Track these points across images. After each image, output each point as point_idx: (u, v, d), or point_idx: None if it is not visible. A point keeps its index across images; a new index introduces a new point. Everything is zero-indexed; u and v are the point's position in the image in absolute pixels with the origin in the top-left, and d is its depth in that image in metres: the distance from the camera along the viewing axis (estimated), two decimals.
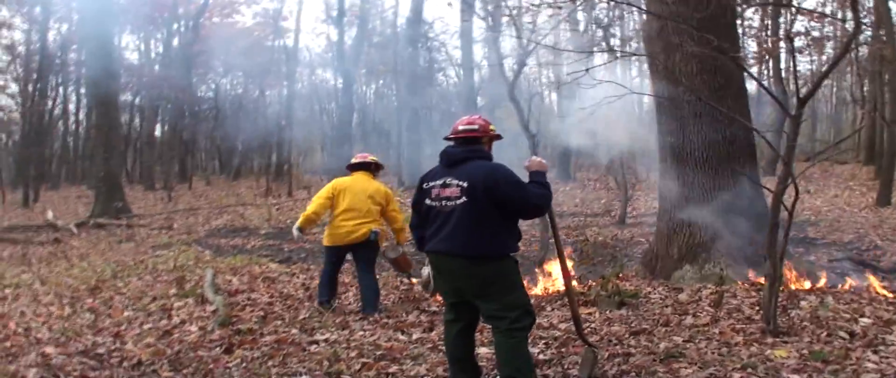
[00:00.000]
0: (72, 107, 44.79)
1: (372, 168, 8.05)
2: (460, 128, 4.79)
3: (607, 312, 6.78)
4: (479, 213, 4.45)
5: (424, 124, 27.90)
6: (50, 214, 20.48)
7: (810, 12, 21.57)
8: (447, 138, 4.87)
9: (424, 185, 4.78)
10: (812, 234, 12.61)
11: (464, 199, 4.47)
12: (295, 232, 7.91)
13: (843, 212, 15.18)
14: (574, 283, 7.97)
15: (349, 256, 8.13)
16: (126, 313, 8.02)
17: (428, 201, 4.70)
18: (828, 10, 21.73)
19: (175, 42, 38.39)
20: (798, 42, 24.56)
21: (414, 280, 9.02)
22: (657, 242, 8.96)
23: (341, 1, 33.15)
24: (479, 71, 26.88)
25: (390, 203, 7.88)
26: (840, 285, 7.64)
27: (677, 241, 8.47)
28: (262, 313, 7.64)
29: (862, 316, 5.93)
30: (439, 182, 4.65)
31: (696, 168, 8.37)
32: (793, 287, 7.35)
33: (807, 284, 7.67)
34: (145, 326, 7.32)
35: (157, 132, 40.98)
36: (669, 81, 8.40)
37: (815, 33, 25.32)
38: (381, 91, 42.64)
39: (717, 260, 8.00)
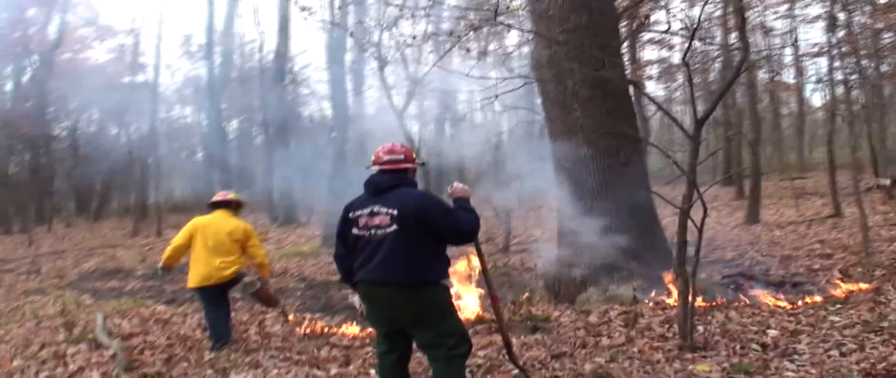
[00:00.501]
0: None
1: (233, 206, 8.11)
2: (385, 157, 4.79)
3: (522, 337, 6.91)
4: (410, 241, 4.47)
5: (295, 160, 27.72)
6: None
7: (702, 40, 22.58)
8: (370, 166, 4.86)
9: (350, 215, 4.74)
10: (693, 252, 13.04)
11: (394, 226, 4.48)
12: (159, 269, 7.90)
13: (716, 231, 15.89)
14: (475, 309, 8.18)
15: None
16: (15, 363, 7.65)
17: (355, 231, 4.67)
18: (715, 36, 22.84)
19: (24, 79, 37.03)
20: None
21: (289, 316, 9.17)
22: (558, 266, 9.19)
23: (210, 35, 32.56)
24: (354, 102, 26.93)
25: (250, 239, 7.90)
26: (739, 301, 8.02)
27: (579, 265, 8.76)
28: (164, 356, 7.43)
29: (769, 328, 6.32)
30: (366, 211, 4.63)
31: (593, 192, 8.72)
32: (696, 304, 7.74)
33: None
34: (41, 375, 7.02)
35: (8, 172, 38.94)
36: (562, 107, 8.72)
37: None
38: (243, 127, 42.03)
39: (620, 281, 8.34)
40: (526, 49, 31.57)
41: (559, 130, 9.12)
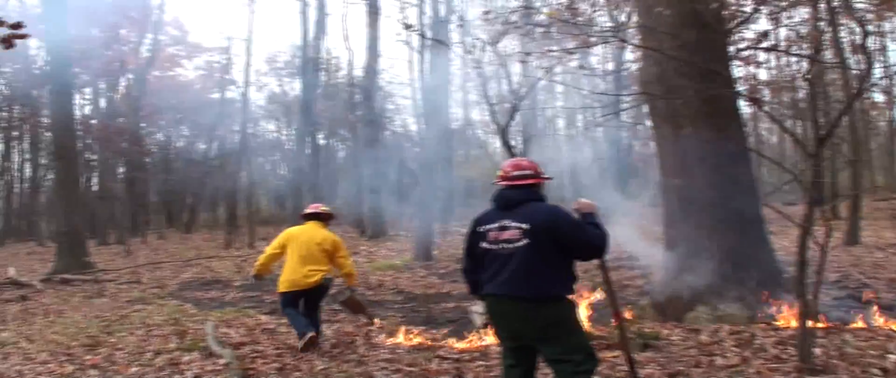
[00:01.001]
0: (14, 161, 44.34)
1: (323, 218, 8.61)
2: (513, 173, 4.76)
3: (633, 355, 6.78)
4: (540, 255, 4.43)
5: (383, 175, 28.03)
6: (12, 271, 19.88)
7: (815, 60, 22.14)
8: (497, 182, 4.84)
9: (479, 229, 4.74)
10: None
11: (525, 241, 4.45)
12: (250, 278, 8.74)
13: (815, 252, 15.30)
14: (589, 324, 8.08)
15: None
16: (132, 369, 7.81)
17: (484, 245, 4.66)
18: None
19: (118, 95, 38.31)
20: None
21: (376, 321, 9.67)
22: (665, 283, 9.01)
23: (305, 52, 32.86)
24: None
25: (339, 250, 8.35)
26: (852, 323, 7.73)
27: (688, 283, 8.57)
28: (277, 365, 7.47)
29: (888, 352, 6.04)
30: (496, 225, 4.62)
31: (702, 210, 8.54)
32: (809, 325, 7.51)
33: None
34: None
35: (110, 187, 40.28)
36: (672, 125, 8.59)
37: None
38: (330, 141, 42.66)
39: (729, 299, 8.15)
40: (609, 64, 31.90)
41: (668, 146, 9.00)
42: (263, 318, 11.07)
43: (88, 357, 8.58)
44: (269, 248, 8.46)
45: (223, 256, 23.51)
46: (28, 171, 44.13)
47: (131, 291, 16.14)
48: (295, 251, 8.22)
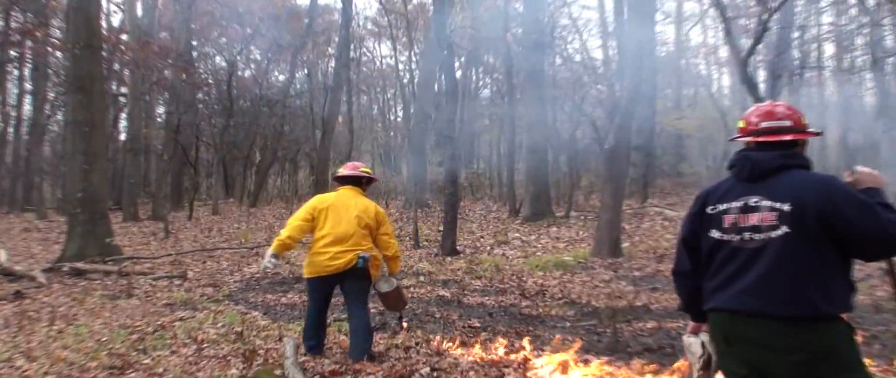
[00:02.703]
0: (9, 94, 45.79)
1: (363, 182, 9.33)
2: (762, 124, 4.54)
3: None
4: (807, 251, 4.17)
5: (548, 126, 27.82)
6: (2, 255, 20.39)
7: None
8: (737, 138, 4.63)
9: (708, 210, 4.60)
10: None
11: (784, 229, 4.21)
12: (268, 261, 8.89)
13: None
14: None
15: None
16: None
17: (716, 233, 4.52)
18: None
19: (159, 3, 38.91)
20: None
21: (405, 324, 10.55)
22: None
23: None
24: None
25: (383, 225, 9.05)
26: None
27: None
28: None
29: None
30: (738, 203, 4.45)
31: None
32: None
33: None
34: None
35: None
36: None
37: None
38: (471, 74, 42.76)
39: None
40: None
41: None
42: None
43: None
44: (295, 218, 9.00)
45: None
46: (27, 109, 45.54)
47: (173, 290, 16.58)
48: (326, 224, 8.80)
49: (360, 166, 9.37)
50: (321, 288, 8.99)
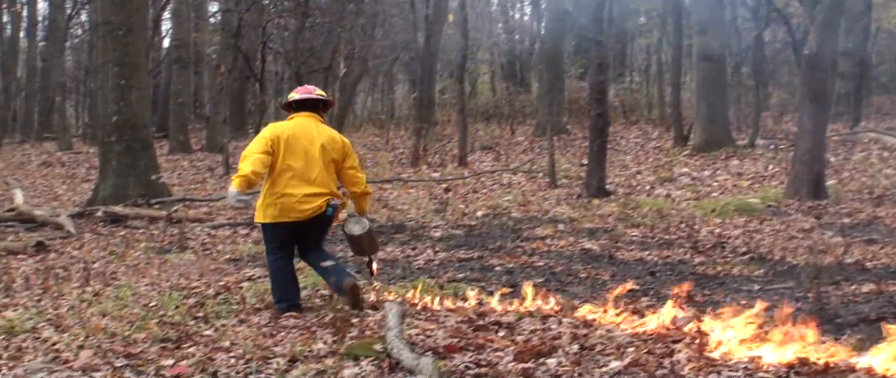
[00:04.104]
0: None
1: (320, 108, 10.03)
2: None
3: None
4: None
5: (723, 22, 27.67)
6: (18, 197, 20.79)
7: None
8: None
9: None
10: None
11: None
12: (235, 199, 9.77)
13: None
14: None
15: None
16: None
17: None
18: None
19: None
20: None
21: (375, 269, 11.01)
22: None
23: None
24: None
25: (349, 157, 9.79)
26: None
27: None
28: None
29: None
30: None
31: None
32: None
33: None
34: None
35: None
36: None
37: None
38: None
39: None
40: None
41: None
42: (491, 301, 10.52)
43: (167, 363, 7.98)
44: (253, 151, 9.48)
45: (413, 181, 24.02)
46: (42, 6, 45.65)
47: (238, 241, 16.92)
48: (288, 159, 9.45)
49: (315, 90, 10.01)
50: (289, 234, 9.65)
